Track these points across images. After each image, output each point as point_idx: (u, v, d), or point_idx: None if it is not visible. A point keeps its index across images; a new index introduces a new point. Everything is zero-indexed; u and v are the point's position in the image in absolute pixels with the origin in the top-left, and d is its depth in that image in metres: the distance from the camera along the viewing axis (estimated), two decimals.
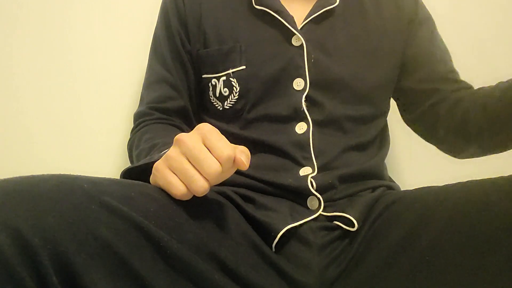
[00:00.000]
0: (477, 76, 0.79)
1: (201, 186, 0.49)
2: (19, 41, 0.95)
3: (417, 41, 0.78)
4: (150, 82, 0.79)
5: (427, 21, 0.80)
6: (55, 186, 0.42)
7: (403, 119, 0.84)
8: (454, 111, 0.74)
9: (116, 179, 0.51)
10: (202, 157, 0.48)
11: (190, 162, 0.49)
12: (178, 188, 0.50)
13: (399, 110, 0.84)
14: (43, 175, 0.44)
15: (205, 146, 0.50)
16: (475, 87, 0.77)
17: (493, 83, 0.70)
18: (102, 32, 0.97)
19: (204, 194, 0.50)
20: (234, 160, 0.50)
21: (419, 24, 0.78)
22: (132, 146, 0.74)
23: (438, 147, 0.80)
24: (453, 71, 0.79)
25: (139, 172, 0.57)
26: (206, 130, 0.50)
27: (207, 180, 0.49)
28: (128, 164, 0.73)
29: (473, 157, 0.76)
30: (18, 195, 0.40)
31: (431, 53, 0.78)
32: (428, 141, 0.82)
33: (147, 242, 0.45)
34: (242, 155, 0.50)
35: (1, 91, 0.94)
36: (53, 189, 0.42)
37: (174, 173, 0.50)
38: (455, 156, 0.78)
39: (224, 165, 0.49)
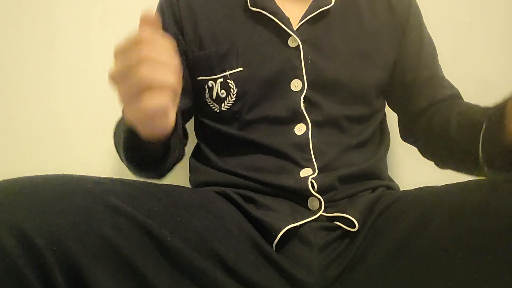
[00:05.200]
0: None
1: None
2: (18, 41, 0.95)
3: (406, 47, 0.78)
4: None
5: (417, 28, 0.79)
6: (60, 187, 0.43)
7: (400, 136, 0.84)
8: (430, 123, 0.74)
9: (120, 178, 0.51)
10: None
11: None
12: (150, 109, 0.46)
13: (399, 129, 0.84)
14: (47, 175, 0.44)
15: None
16: (459, 86, 0.77)
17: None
18: (102, 32, 0.97)
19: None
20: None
21: (410, 30, 0.78)
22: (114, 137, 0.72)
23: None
24: (436, 79, 0.78)
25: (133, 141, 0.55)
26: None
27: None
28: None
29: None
30: (23, 196, 0.41)
31: (418, 62, 0.78)
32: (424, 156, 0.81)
33: (150, 242, 0.46)
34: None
35: (3, 92, 0.94)
36: (57, 189, 0.42)
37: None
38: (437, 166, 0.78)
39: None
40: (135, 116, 0.48)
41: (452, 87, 0.78)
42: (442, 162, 0.75)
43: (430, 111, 0.75)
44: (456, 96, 0.77)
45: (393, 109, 0.84)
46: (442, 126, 0.70)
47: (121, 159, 0.67)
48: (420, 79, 0.77)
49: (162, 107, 0.46)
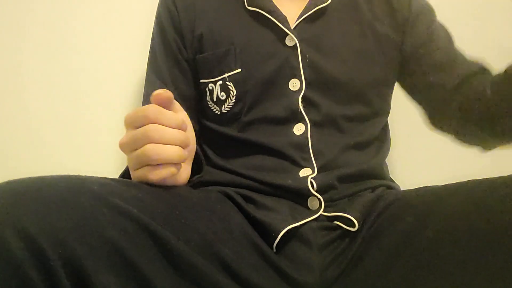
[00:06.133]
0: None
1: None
2: (20, 42, 0.95)
3: (414, 37, 0.77)
4: (147, 93, 0.78)
5: (423, 14, 0.78)
6: (65, 188, 0.43)
7: (429, 125, 0.82)
8: (465, 96, 0.72)
9: (124, 180, 0.52)
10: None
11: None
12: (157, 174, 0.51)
13: (424, 117, 0.82)
14: (52, 176, 0.44)
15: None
16: None
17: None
18: (103, 32, 0.97)
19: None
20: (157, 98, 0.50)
21: (415, 20, 0.77)
22: None
23: (468, 143, 0.77)
24: (457, 58, 0.76)
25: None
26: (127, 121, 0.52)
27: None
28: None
29: (498, 146, 0.73)
30: (28, 197, 0.40)
31: (430, 46, 0.76)
32: (460, 140, 0.78)
33: (154, 244, 0.46)
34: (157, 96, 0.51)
35: (7, 92, 0.94)
36: (63, 191, 0.42)
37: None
38: (484, 148, 0.75)
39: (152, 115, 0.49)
40: (143, 179, 0.52)
41: (477, 61, 0.75)
42: (485, 139, 0.72)
43: (462, 89, 0.73)
44: (484, 67, 0.74)
45: (418, 101, 0.81)
46: (478, 93, 0.70)
47: None
48: (438, 62, 0.75)
49: (165, 178, 0.51)
